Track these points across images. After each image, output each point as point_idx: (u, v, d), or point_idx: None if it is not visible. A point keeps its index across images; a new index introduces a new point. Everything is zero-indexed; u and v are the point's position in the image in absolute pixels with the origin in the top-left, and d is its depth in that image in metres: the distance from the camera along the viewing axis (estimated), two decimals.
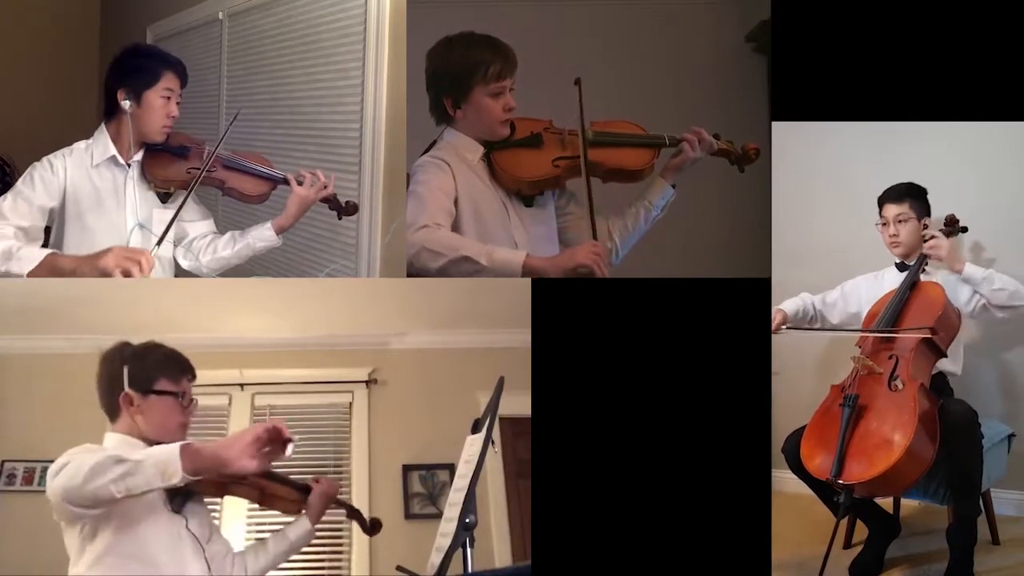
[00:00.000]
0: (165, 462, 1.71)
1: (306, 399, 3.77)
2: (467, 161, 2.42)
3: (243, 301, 3.37)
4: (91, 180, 2.52)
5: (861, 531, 2.79)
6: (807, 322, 2.86)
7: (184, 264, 2.63)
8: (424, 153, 2.45)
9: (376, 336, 3.79)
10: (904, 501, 2.89)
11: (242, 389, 3.75)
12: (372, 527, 2.35)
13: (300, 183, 2.55)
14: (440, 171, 2.37)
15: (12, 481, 3.49)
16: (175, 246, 2.62)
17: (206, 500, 2.14)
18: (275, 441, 1.76)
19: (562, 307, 2.61)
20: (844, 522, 2.66)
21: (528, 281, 2.49)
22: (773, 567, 2.58)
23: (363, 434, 3.73)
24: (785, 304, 2.82)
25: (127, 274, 2.30)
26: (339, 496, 2.30)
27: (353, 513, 2.31)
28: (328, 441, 3.71)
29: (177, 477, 1.70)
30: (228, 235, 2.63)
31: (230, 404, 3.73)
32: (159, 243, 2.46)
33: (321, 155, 3.13)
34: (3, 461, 3.53)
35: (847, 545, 2.84)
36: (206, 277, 2.64)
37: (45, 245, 2.53)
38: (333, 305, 3.48)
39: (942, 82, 2.69)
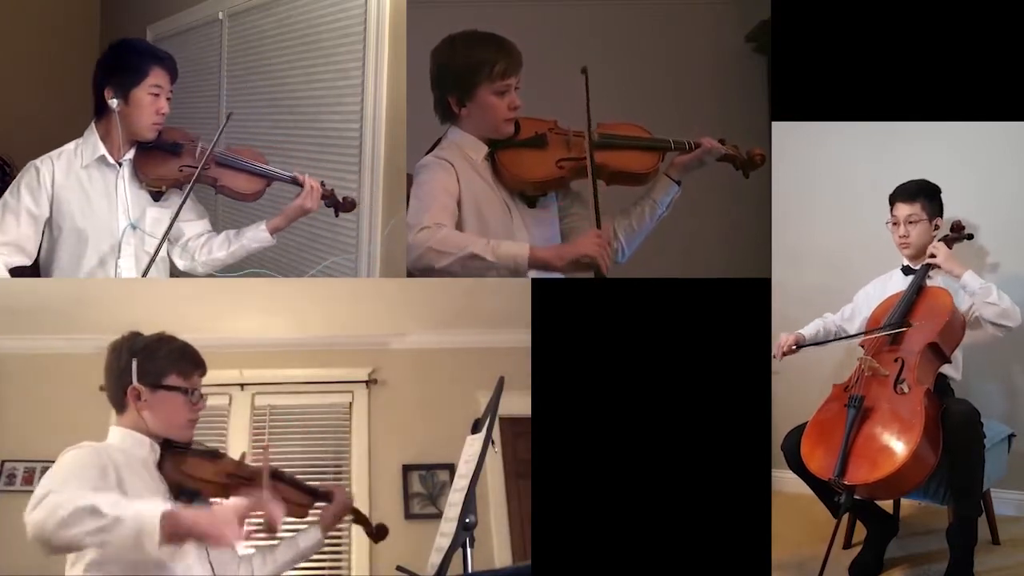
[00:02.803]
0: (142, 531, 1.61)
1: (306, 399, 3.77)
2: (471, 160, 2.42)
3: (243, 301, 3.36)
4: (80, 182, 2.48)
5: (861, 531, 2.79)
6: (831, 337, 2.83)
7: (180, 264, 2.61)
8: (428, 152, 2.44)
9: (376, 336, 3.79)
10: (904, 501, 2.88)
11: (242, 389, 3.75)
12: (378, 533, 2.33)
13: (300, 184, 2.54)
14: (443, 171, 2.37)
15: (12, 481, 3.49)
16: (171, 245, 2.60)
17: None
18: (264, 519, 1.80)
19: (562, 307, 2.61)
20: (844, 522, 2.66)
21: (528, 281, 2.49)
22: (773, 567, 2.58)
23: (363, 434, 3.73)
24: (804, 328, 2.81)
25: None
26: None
27: (361, 519, 2.30)
28: (328, 441, 3.71)
29: (153, 550, 1.60)
30: (223, 235, 2.61)
31: (230, 404, 3.72)
32: (161, 243, 2.44)
33: (321, 155, 3.13)
34: (3, 461, 3.52)
35: (847, 545, 2.84)
36: (201, 276, 2.63)
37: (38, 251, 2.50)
38: (333, 305, 3.48)
39: (942, 82, 2.69)
